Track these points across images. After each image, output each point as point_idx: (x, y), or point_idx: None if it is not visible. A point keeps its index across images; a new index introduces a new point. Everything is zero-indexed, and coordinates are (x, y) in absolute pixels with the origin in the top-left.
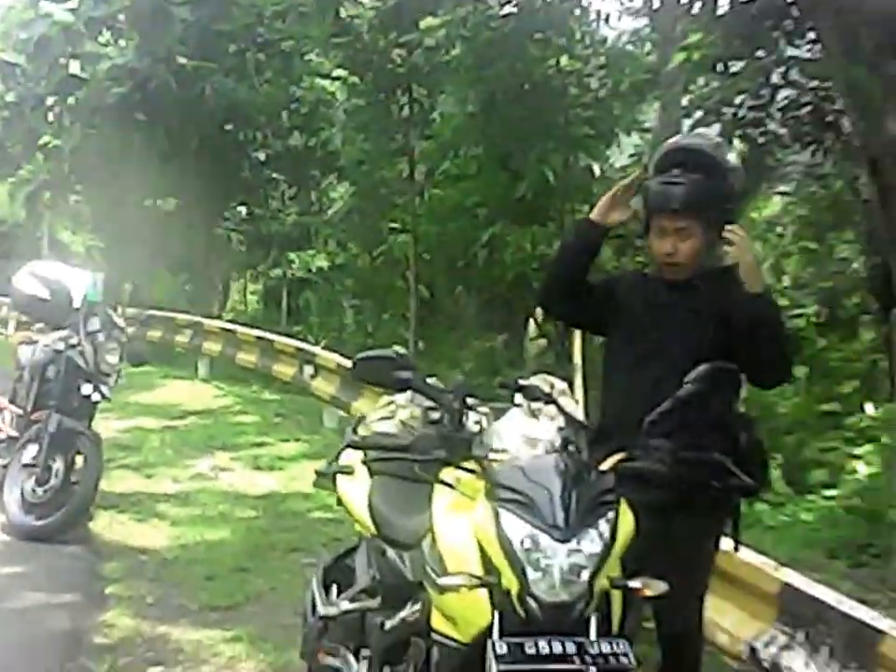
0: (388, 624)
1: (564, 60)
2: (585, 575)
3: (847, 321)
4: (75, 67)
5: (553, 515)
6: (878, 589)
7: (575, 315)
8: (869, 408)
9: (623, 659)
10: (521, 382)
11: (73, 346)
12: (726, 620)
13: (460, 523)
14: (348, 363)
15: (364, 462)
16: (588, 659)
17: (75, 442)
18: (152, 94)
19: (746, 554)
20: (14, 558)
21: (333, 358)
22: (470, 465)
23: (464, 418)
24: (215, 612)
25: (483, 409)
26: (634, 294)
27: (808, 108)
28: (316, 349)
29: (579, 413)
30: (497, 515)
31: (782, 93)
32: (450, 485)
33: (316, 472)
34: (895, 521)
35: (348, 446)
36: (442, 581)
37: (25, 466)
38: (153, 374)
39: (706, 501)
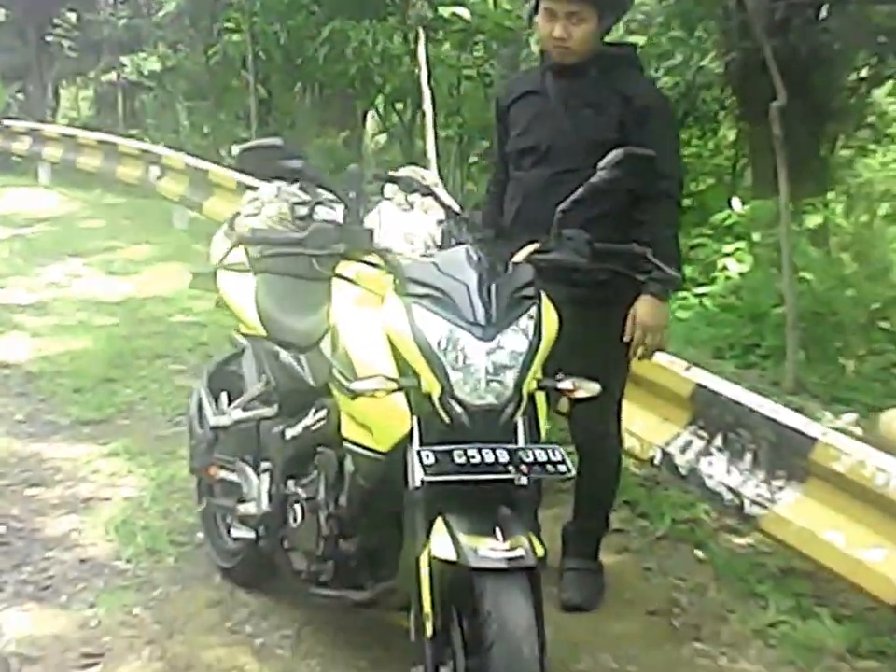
0: (289, 433)
1: None
2: (513, 375)
3: (707, 117)
4: None
5: (473, 311)
6: (774, 392)
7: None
8: (736, 204)
9: (561, 467)
10: (392, 174)
11: None
12: (635, 424)
13: (368, 321)
14: (196, 163)
15: (250, 260)
16: (523, 468)
17: None
18: None
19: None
20: None
21: (180, 158)
22: (373, 259)
23: (361, 208)
24: (87, 426)
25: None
26: (524, 90)
27: None
28: (162, 150)
29: (454, 204)
30: (410, 312)
31: None
32: (351, 281)
33: (193, 274)
34: (778, 322)
35: (239, 243)
36: (355, 385)
37: None
38: None
39: (621, 295)
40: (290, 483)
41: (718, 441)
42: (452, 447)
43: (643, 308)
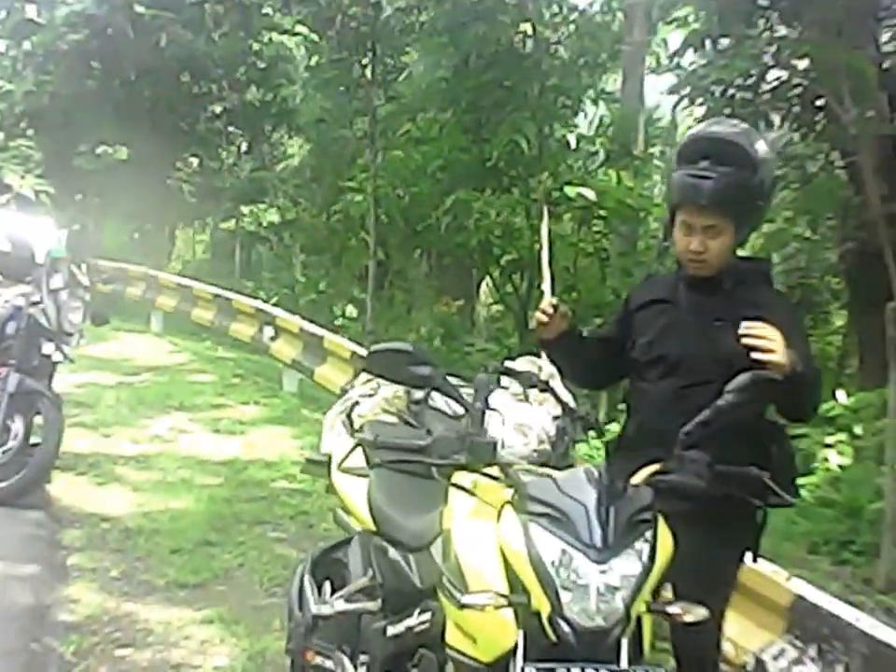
0: (391, 631)
1: (532, 27)
2: (623, 599)
3: (818, 305)
4: (31, 12)
5: (590, 533)
6: (863, 591)
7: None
8: (841, 396)
9: None
10: (508, 364)
11: (35, 303)
12: (731, 628)
13: (482, 534)
14: (311, 328)
15: (366, 453)
16: None
17: (35, 403)
18: (109, 42)
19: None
20: None
21: (295, 322)
22: (493, 471)
23: (486, 419)
24: (182, 590)
25: (470, 390)
26: (656, 297)
27: (798, 90)
28: (277, 310)
29: (571, 400)
30: (527, 530)
31: (772, 74)
32: (468, 490)
33: (307, 460)
34: (873, 517)
35: (359, 445)
36: (466, 599)
37: None
38: (105, 326)
39: (737, 516)
40: None
41: (812, 651)
42: (555, 665)
43: None
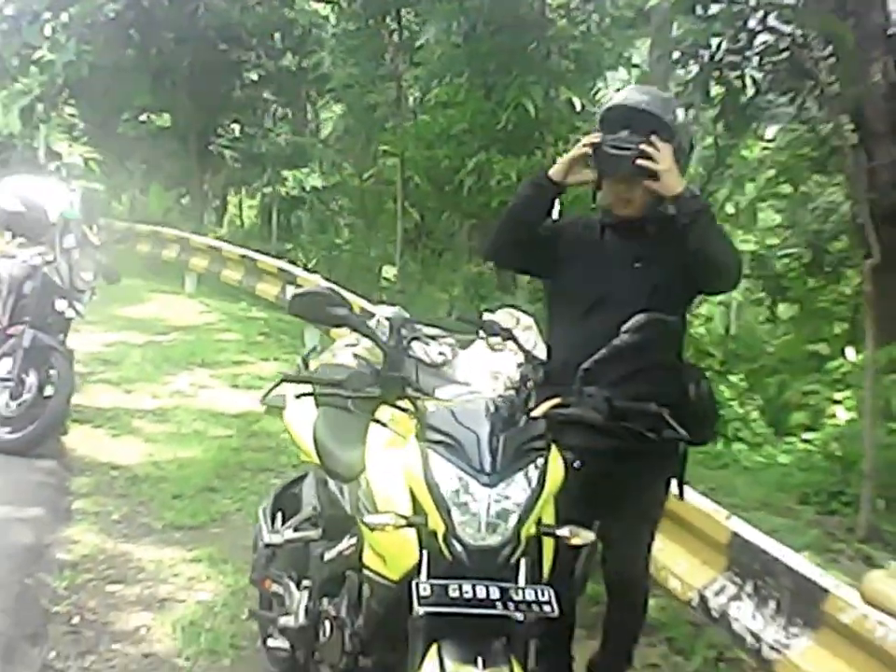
0: (327, 556)
1: None
2: (512, 520)
3: (832, 264)
4: None
5: (481, 459)
6: (845, 539)
7: (522, 263)
8: (850, 353)
9: (546, 607)
10: (486, 316)
11: (48, 262)
12: (679, 566)
13: (392, 461)
14: (327, 285)
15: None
16: (511, 605)
17: (48, 358)
18: (145, 12)
19: (699, 501)
20: None
21: (316, 280)
22: (404, 404)
23: (402, 353)
24: (179, 532)
25: (449, 340)
26: (581, 238)
27: (785, 55)
28: (299, 270)
29: (539, 350)
30: (425, 457)
31: (760, 38)
32: (383, 424)
33: (266, 404)
34: (866, 470)
35: (283, 380)
36: (368, 519)
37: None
38: (141, 288)
39: (647, 449)
40: (325, 601)
41: (748, 587)
42: (447, 581)
43: None
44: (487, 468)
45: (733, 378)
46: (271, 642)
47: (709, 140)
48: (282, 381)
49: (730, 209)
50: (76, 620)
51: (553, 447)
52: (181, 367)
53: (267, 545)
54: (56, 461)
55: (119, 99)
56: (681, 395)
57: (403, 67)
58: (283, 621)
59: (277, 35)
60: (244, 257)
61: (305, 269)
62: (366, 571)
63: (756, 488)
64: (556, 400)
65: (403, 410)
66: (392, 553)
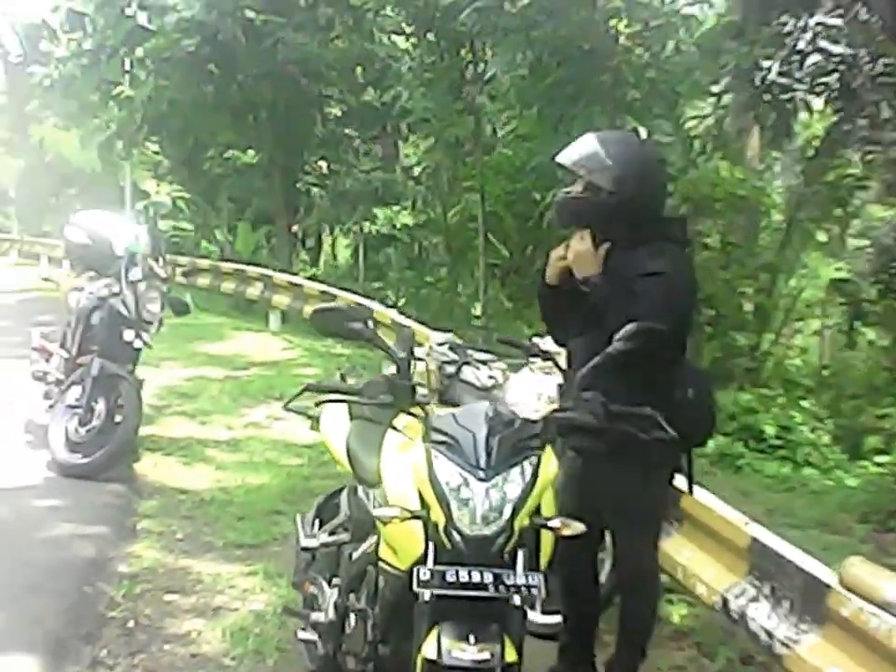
0: (354, 555)
1: (621, 23)
2: (506, 512)
3: None
4: (142, 19)
5: (477, 457)
6: None
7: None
8: None
9: (534, 590)
10: (535, 340)
11: (115, 294)
12: (707, 573)
13: (402, 462)
14: (404, 321)
15: (349, 406)
16: (502, 588)
17: (116, 386)
18: (221, 47)
19: (723, 509)
20: (56, 493)
21: (389, 314)
22: (416, 410)
23: (411, 367)
24: (239, 549)
25: (501, 365)
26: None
27: (835, 76)
28: (376, 305)
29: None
30: (429, 455)
31: (810, 60)
32: (397, 429)
33: (284, 407)
34: None
35: (305, 389)
36: (377, 511)
37: (69, 407)
38: (226, 325)
39: (642, 450)
40: (351, 596)
41: (766, 589)
42: (445, 567)
43: None
44: (483, 464)
45: (805, 404)
46: (301, 634)
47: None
48: (304, 389)
49: (822, 237)
50: (130, 624)
51: (548, 447)
52: (258, 400)
53: (303, 549)
54: (125, 485)
55: (200, 135)
56: (678, 398)
57: (480, 100)
58: (314, 616)
59: (358, 70)
60: (323, 293)
61: (394, 307)
62: (380, 563)
63: (816, 509)
64: (555, 405)
65: (415, 416)
66: (401, 544)
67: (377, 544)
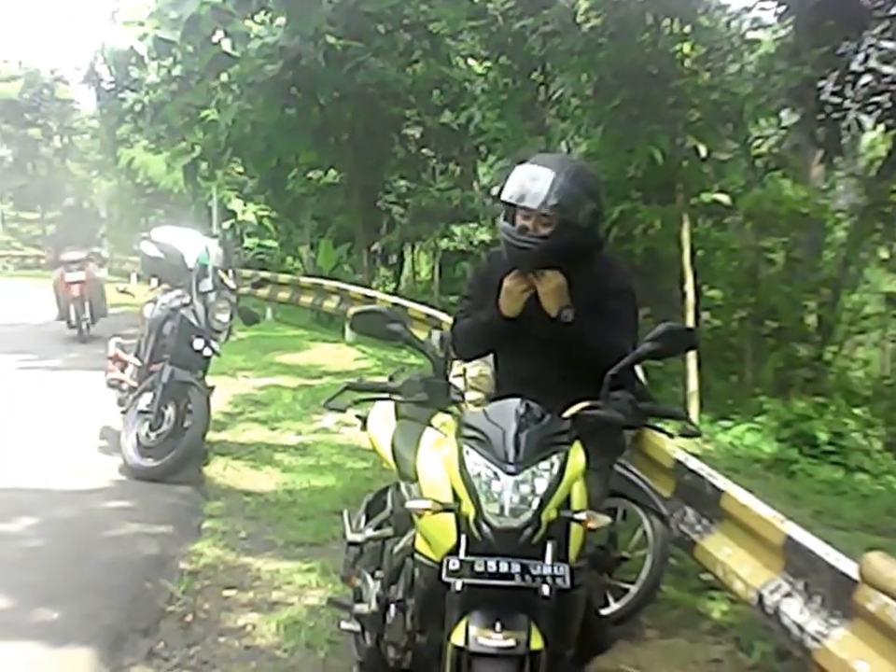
0: (395, 549)
1: (686, 46)
2: (533, 505)
3: None
4: (227, 45)
5: (506, 452)
6: None
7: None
8: None
9: (560, 581)
10: None
11: (186, 305)
12: (743, 569)
13: (436, 458)
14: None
15: (395, 407)
16: (528, 578)
17: (186, 392)
18: (304, 72)
19: (759, 508)
20: (125, 495)
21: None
22: (451, 408)
23: (447, 366)
24: (300, 548)
25: None
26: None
27: (887, 95)
28: (444, 316)
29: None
30: (460, 450)
31: (862, 80)
32: (434, 427)
33: (323, 405)
34: None
35: (346, 388)
36: (410, 504)
37: (141, 412)
38: (303, 337)
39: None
40: (392, 588)
41: (799, 585)
42: (474, 558)
43: None
44: (511, 459)
45: (858, 412)
46: (344, 625)
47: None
48: (345, 388)
49: (884, 254)
50: (188, 618)
51: (577, 442)
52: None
53: (350, 543)
54: (193, 487)
55: (283, 156)
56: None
57: (551, 121)
58: (357, 608)
59: (435, 93)
60: (395, 304)
61: None
62: (417, 556)
63: (863, 511)
64: (586, 403)
65: (451, 414)
66: (434, 536)
67: (414, 537)
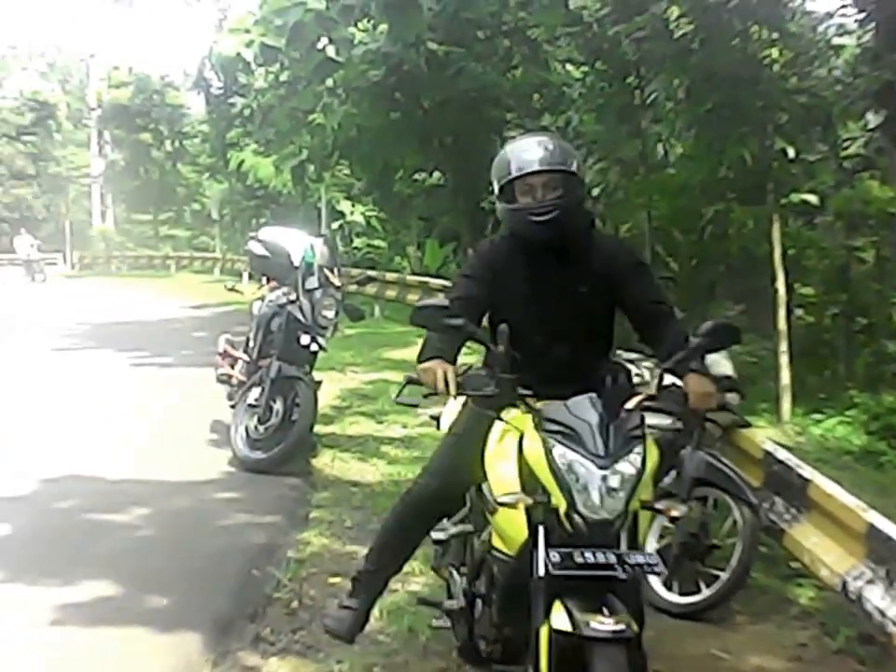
0: (476, 545)
1: (774, 50)
2: (623, 496)
3: None
4: (331, 52)
5: (595, 445)
6: None
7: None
8: None
9: (656, 568)
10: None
11: (292, 302)
12: (828, 557)
13: (505, 451)
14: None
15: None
16: (627, 568)
17: (293, 386)
18: (407, 77)
19: (843, 496)
20: (236, 486)
21: None
22: (519, 404)
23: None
24: None
25: (647, 363)
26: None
27: None
28: None
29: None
30: (546, 444)
31: None
32: (504, 421)
33: (394, 399)
34: None
35: (408, 382)
36: (502, 498)
37: (250, 406)
38: (410, 333)
39: None
40: (476, 583)
41: (881, 571)
42: (573, 550)
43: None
44: (601, 452)
45: None
46: (435, 622)
47: None
48: (407, 383)
49: None
50: (294, 604)
51: (649, 435)
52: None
53: (434, 541)
54: (301, 479)
55: (389, 159)
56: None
57: (645, 124)
58: (447, 604)
59: (535, 96)
60: None
61: None
62: (493, 552)
63: None
64: (644, 395)
65: (526, 408)
66: (508, 531)
67: (490, 533)
